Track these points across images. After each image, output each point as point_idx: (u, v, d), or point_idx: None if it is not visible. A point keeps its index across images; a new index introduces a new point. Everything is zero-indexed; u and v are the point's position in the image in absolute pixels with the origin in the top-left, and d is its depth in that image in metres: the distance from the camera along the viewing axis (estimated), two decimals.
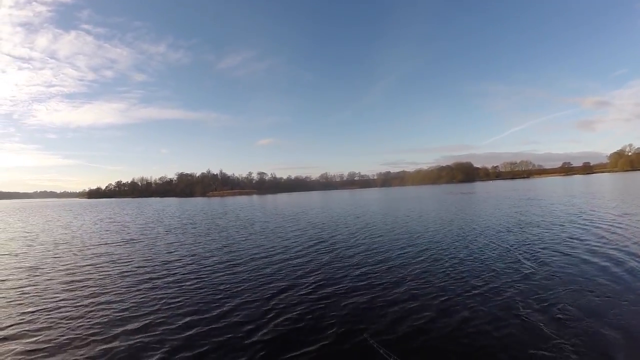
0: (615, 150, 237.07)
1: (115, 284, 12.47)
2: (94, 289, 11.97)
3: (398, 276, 12.02)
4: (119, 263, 16.09)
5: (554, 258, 13.33)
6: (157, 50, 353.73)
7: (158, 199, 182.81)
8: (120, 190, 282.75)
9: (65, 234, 28.58)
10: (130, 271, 14.39)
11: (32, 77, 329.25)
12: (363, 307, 9.35)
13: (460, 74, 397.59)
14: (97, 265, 15.63)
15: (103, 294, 11.36)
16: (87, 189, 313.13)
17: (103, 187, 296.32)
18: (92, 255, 18.11)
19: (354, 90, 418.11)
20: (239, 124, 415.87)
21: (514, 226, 22.30)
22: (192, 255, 17.31)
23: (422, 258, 14.57)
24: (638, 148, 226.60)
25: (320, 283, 11.68)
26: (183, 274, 13.56)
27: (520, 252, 14.76)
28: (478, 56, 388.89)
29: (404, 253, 15.80)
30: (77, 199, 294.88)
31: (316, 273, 12.99)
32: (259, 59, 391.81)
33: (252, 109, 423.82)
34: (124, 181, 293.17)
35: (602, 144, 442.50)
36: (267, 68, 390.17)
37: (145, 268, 14.78)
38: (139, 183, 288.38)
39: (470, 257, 14.24)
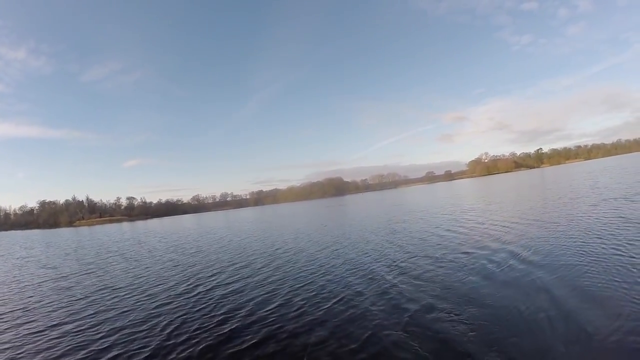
0: (473, 159, 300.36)
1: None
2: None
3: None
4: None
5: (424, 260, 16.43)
6: (16, 56, 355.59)
7: (19, 231, 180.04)
8: None
9: None
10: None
11: None
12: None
13: (332, 92, 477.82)
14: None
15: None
16: None
17: None
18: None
19: (226, 107, 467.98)
20: (104, 143, 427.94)
21: (383, 231, 28.21)
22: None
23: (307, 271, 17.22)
24: (492, 156, 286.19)
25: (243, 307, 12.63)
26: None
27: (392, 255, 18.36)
28: (349, 75, 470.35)
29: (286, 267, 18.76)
30: None
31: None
32: (126, 72, 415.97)
33: (118, 127, 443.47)
34: None
35: (461, 153, 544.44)
36: (134, 82, 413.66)
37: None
38: None
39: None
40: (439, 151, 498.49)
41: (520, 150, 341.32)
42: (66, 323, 13.29)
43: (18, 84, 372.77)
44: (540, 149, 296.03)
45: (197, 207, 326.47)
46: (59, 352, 10.40)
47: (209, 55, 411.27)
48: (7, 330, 12.84)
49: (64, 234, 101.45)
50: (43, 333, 12.25)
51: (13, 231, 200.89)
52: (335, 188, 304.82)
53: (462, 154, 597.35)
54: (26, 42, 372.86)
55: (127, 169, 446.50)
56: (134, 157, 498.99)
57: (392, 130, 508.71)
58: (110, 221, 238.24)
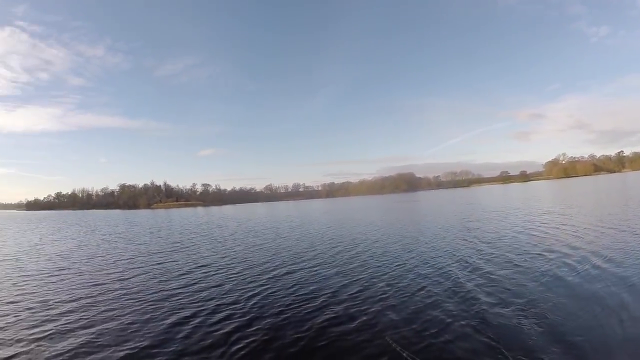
0: (550, 159, 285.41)
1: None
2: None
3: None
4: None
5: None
6: (95, 53, 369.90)
7: (101, 211, 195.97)
8: (60, 202, 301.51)
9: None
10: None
11: None
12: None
13: (400, 87, 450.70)
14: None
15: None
16: (23, 200, 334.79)
17: (41, 198, 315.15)
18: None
19: (298, 100, 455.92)
20: (180, 134, 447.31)
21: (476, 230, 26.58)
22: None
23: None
24: (571, 157, 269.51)
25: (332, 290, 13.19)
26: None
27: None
28: (419, 71, 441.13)
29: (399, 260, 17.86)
30: (14, 210, 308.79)
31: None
32: (200, 66, 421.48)
33: (193, 118, 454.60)
34: (63, 192, 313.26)
35: (537, 153, 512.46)
36: (208, 76, 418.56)
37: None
38: (80, 194, 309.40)
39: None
40: (513, 150, 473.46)
41: (600, 152, 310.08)
42: (162, 290, 14.64)
43: (98, 79, 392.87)
44: (622, 151, 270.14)
45: (269, 196, 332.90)
46: (163, 314, 11.64)
47: (279, 49, 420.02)
48: (113, 300, 13.81)
49: (143, 215, 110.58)
50: (143, 300, 13.44)
51: (95, 210, 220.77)
52: (407, 183, 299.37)
53: (539, 153, 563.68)
54: (104, 40, 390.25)
55: (202, 157, 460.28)
56: (209, 146, 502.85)
57: (464, 127, 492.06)
58: (186, 205, 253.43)
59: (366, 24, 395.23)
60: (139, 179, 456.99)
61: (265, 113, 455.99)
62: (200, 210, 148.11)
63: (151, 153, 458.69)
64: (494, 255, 17.39)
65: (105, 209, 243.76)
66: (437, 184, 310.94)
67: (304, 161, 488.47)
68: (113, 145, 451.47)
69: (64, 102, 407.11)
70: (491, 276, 13.59)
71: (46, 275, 19.11)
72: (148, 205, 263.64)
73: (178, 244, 30.14)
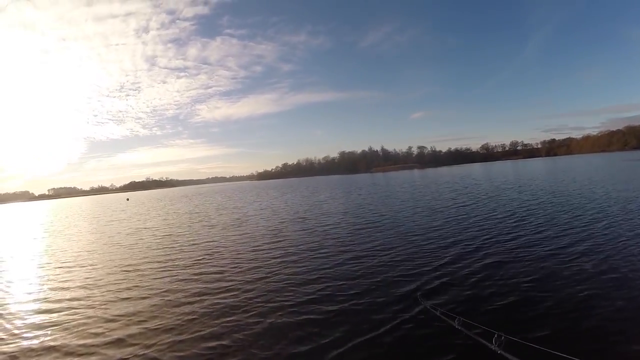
0: None
1: None
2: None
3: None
4: None
5: None
6: (298, 40, 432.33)
7: (324, 177, 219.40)
8: (286, 171, 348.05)
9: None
10: None
11: (190, 82, 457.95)
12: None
13: (625, 17, 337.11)
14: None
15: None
16: (254, 173, 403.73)
17: (269, 169, 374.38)
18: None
19: (506, 49, 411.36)
20: (388, 100, 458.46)
21: None
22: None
23: None
24: None
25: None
26: None
27: None
28: None
29: None
30: (249, 181, 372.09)
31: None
32: (400, 32, 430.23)
33: (400, 83, 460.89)
34: (288, 163, 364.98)
35: None
36: (409, 39, 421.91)
37: None
38: (303, 163, 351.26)
39: None
40: None
41: None
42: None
43: (305, 62, 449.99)
44: None
45: (485, 155, 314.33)
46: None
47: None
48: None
49: (364, 179, 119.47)
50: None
51: (318, 177, 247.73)
52: (638, 139, 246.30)
53: None
54: (304, 27, 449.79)
55: (414, 121, 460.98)
56: (419, 109, 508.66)
57: None
58: (403, 168, 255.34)
59: None
60: (356, 146, 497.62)
61: (473, 69, 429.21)
62: (416, 172, 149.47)
63: (364, 120, 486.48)
64: None
65: (327, 174, 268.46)
66: None
67: (520, 116, 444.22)
68: (327, 118, 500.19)
69: (278, 87, 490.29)
70: None
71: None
72: (367, 170, 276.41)
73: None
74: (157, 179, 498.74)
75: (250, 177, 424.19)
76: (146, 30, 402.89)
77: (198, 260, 14.95)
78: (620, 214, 17.82)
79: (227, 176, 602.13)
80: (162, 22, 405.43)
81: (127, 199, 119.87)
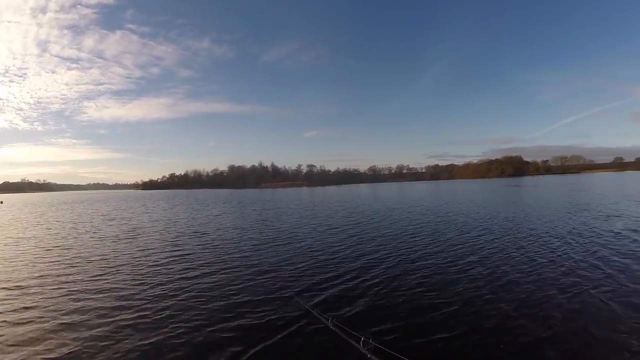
0: None
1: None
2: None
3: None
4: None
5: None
6: (201, 46, 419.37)
7: (211, 190, 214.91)
8: (173, 182, 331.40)
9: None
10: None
11: (81, 76, 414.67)
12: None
13: (510, 61, 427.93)
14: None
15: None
16: (139, 181, 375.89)
17: (155, 179, 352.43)
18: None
19: (403, 79, 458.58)
20: (285, 116, 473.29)
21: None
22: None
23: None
24: None
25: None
26: None
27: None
28: (528, 42, 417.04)
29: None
30: (132, 190, 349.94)
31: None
32: (303, 50, 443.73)
33: (298, 101, 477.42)
34: (176, 173, 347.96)
35: None
36: (312, 59, 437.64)
37: None
38: (191, 175, 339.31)
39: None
40: (630, 133, 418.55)
41: None
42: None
43: (205, 69, 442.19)
44: None
45: (373, 177, 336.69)
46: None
47: (383, 29, 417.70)
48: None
49: (253, 194, 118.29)
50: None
51: (206, 189, 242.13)
52: (514, 168, 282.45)
53: None
54: (209, 33, 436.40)
55: (307, 139, 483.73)
56: (314, 128, 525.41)
57: (577, 106, 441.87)
58: (292, 185, 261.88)
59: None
60: (247, 161, 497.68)
61: (369, 94, 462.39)
62: (305, 190, 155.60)
63: (258, 136, 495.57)
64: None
65: (216, 188, 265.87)
66: (546, 169, 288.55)
67: (408, 142, 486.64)
68: (221, 129, 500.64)
69: (174, 92, 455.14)
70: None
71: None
72: (256, 185, 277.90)
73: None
74: (33, 180, 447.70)
75: (135, 186, 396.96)
76: (44, 10, 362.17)
77: (93, 276, 13.67)
78: (503, 229, 21.67)
79: (110, 183, 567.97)
80: (63, 4, 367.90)
81: (1, 202, 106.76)
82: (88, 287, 12.17)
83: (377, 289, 11.05)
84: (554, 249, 15.78)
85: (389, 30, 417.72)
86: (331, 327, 6.81)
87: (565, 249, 15.54)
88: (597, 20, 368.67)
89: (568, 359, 6.81)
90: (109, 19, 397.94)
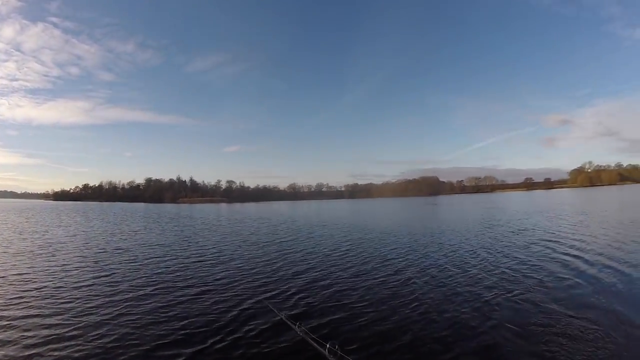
0: (575, 167, 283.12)
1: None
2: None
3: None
4: None
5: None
6: (125, 49, 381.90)
7: (127, 203, 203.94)
8: (86, 194, 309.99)
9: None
10: None
11: None
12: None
13: (429, 86, 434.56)
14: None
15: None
16: (50, 191, 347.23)
17: (68, 189, 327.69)
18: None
19: (324, 100, 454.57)
20: (206, 130, 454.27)
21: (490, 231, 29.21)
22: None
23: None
24: (597, 165, 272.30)
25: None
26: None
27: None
28: (446, 69, 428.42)
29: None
30: (42, 200, 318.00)
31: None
32: (229, 64, 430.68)
33: (220, 115, 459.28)
34: (90, 184, 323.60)
35: (563, 160, 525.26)
36: (237, 73, 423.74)
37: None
38: (106, 187, 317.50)
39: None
40: (539, 156, 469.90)
41: (628, 161, 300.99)
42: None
43: (127, 74, 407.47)
44: None
45: (292, 195, 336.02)
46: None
47: (309, 47, 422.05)
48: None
49: (171, 209, 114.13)
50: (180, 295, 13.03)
51: (121, 203, 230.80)
52: (431, 187, 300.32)
53: (565, 161, 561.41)
54: (135, 37, 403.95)
55: (228, 154, 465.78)
56: (235, 143, 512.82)
57: (490, 131, 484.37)
58: (210, 201, 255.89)
59: (398, 20, 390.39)
60: (165, 174, 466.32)
61: (293, 112, 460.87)
62: (223, 206, 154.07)
63: (177, 149, 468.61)
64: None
65: (131, 201, 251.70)
66: (461, 189, 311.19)
67: (329, 161, 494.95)
68: (140, 139, 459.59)
69: (93, 96, 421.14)
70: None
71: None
72: (173, 200, 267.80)
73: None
74: None
75: (46, 196, 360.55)
76: None
77: (9, 299, 12.67)
78: (430, 244, 24.10)
79: (19, 192, 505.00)
80: None
81: None
82: (5, 313, 11.18)
83: (311, 301, 12.19)
84: (467, 260, 18.17)
85: (314, 50, 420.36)
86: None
87: (478, 259, 18.20)
88: (513, 50, 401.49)
89: (480, 353, 8.02)
90: (32, 8, 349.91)
